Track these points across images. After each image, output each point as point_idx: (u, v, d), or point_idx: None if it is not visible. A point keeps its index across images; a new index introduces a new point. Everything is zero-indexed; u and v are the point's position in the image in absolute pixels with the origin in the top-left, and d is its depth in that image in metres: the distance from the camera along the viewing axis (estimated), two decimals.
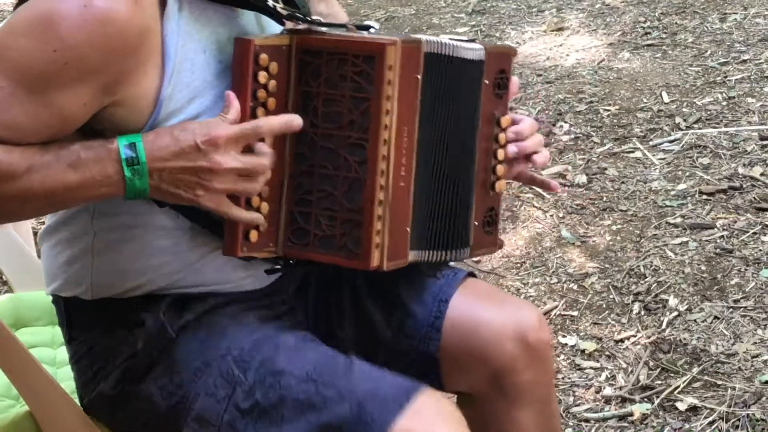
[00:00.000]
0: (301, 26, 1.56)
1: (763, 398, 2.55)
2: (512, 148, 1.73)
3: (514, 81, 1.75)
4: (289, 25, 1.58)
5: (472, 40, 1.72)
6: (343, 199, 1.53)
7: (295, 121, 1.49)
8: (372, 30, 1.60)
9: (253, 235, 1.51)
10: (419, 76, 1.57)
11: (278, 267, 1.62)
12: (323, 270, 1.72)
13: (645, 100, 4.19)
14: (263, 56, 1.48)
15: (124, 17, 1.37)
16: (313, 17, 1.59)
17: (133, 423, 1.64)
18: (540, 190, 3.59)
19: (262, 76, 1.48)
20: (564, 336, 2.88)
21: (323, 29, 1.55)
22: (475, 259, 1.84)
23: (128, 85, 1.42)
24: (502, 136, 1.73)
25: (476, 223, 1.72)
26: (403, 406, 1.47)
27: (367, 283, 1.74)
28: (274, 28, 1.59)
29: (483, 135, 1.71)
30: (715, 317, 2.87)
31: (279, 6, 1.54)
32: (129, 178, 1.40)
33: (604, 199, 3.55)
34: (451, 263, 1.79)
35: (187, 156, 1.41)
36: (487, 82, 1.69)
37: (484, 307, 1.74)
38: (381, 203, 1.53)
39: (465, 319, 1.71)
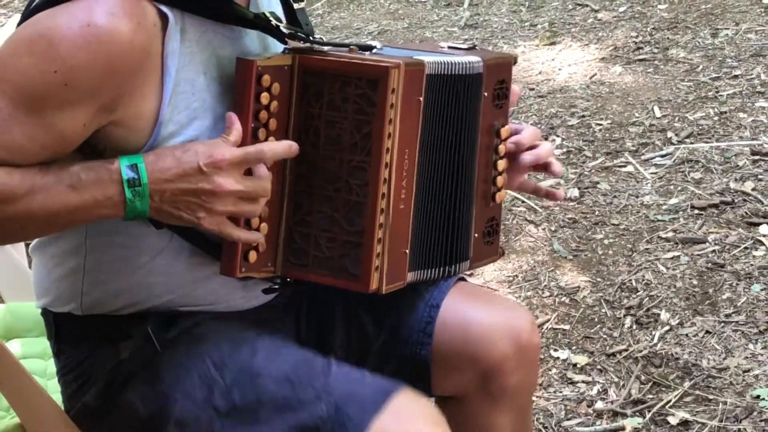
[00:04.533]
0: (303, 45, 1.55)
1: (755, 413, 2.55)
2: (510, 146, 1.73)
3: (514, 90, 1.75)
4: (292, 43, 1.56)
5: (473, 47, 1.70)
6: (342, 221, 1.52)
7: (293, 146, 1.47)
8: (375, 50, 1.58)
9: (252, 256, 1.50)
10: (421, 99, 1.55)
11: (276, 287, 1.62)
12: (314, 284, 1.72)
13: (637, 115, 4.19)
14: (266, 77, 1.46)
15: (126, 38, 1.35)
16: (316, 36, 1.58)
17: None
18: (533, 204, 3.59)
19: (264, 97, 1.46)
20: (556, 350, 2.88)
21: (325, 49, 1.54)
22: (467, 272, 1.81)
23: (127, 106, 1.41)
24: (501, 147, 1.72)
25: (476, 236, 1.71)
26: (380, 406, 1.47)
27: (359, 295, 1.74)
28: (277, 46, 1.57)
29: (483, 146, 1.69)
30: (707, 332, 2.87)
31: (282, 25, 1.53)
32: (130, 200, 1.39)
33: (596, 213, 3.55)
34: None
35: (189, 178, 1.40)
36: (486, 94, 1.68)
37: (475, 307, 1.73)
38: (381, 226, 1.52)
39: (456, 320, 1.71)
